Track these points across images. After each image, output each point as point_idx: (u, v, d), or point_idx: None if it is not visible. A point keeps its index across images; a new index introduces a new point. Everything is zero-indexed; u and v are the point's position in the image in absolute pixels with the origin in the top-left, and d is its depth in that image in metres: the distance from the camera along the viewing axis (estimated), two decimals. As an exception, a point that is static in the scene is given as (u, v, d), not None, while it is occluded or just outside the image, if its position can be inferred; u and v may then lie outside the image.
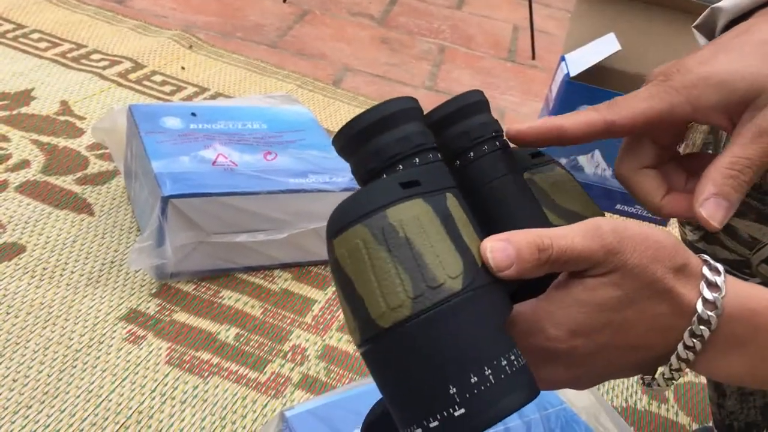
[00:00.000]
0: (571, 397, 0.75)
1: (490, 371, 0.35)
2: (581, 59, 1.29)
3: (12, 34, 1.43)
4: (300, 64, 1.66)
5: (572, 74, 1.28)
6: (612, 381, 0.95)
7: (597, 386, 0.93)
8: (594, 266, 0.37)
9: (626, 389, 0.95)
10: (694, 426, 0.92)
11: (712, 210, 0.41)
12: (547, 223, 0.42)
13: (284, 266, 0.99)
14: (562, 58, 1.35)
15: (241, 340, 0.87)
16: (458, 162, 0.43)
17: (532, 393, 0.37)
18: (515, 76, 1.90)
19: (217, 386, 0.80)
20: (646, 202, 0.44)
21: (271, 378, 0.83)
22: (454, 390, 0.35)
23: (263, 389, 0.81)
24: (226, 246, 0.94)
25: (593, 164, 1.34)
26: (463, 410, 0.35)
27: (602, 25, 1.35)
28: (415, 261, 0.35)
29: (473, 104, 0.44)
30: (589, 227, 0.37)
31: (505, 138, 0.45)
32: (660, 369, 0.41)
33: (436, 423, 0.35)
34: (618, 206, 1.38)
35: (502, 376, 0.35)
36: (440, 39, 2.01)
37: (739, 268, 0.62)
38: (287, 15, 1.91)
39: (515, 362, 0.37)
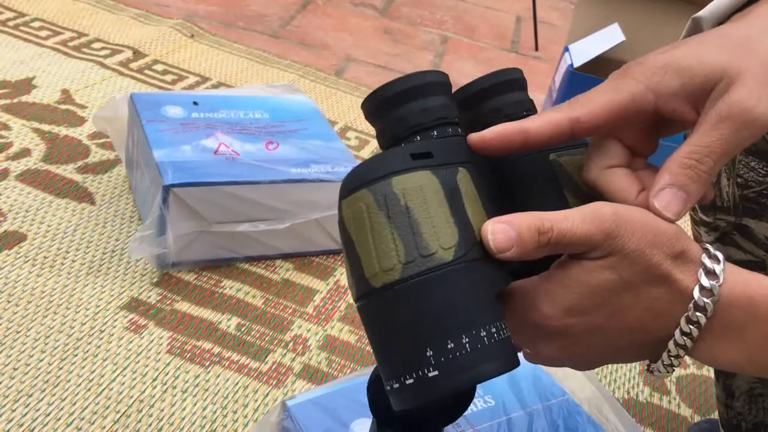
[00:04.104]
0: (574, 388, 0.74)
1: (467, 339, 0.37)
2: (585, 50, 1.29)
3: (13, 23, 1.43)
4: (302, 54, 1.66)
5: (576, 65, 1.27)
6: (614, 372, 0.95)
7: (599, 378, 0.93)
8: (592, 249, 0.38)
9: (628, 381, 0.95)
10: (696, 418, 0.92)
11: (666, 201, 0.40)
12: (565, 206, 0.42)
13: (286, 256, 0.99)
14: (566, 49, 1.34)
15: (243, 329, 0.87)
16: None
17: (509, 364, 0.38)
18: (518, 67, 1.89)
19: (219, 376, 0.80)
20: (620, 202, 0.43)
21: (273, 368, 0.83)
22: (431, 353, 0.37)
23: (264, 379, 0.81)
24: (228, 235, 0.93)
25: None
26: (436, 372, 0.37)
27: (606, 15, 1.35)
28: (411, 229, 0.37)
29: (510, 81, 0.45)
30: (589, 211, 0.38)
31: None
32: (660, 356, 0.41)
33: (411, 381, 0.37)
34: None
35: (479, 345, 0.37)
36: (443, 29, 2.00)
37: (755, 270, 0.62)
38: (289, 5, 1.90)
39: (496, 334, 0.38)
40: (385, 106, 0.41)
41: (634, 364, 0.98)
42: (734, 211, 0.61)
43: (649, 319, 0.39)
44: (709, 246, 0.40)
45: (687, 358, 0.98)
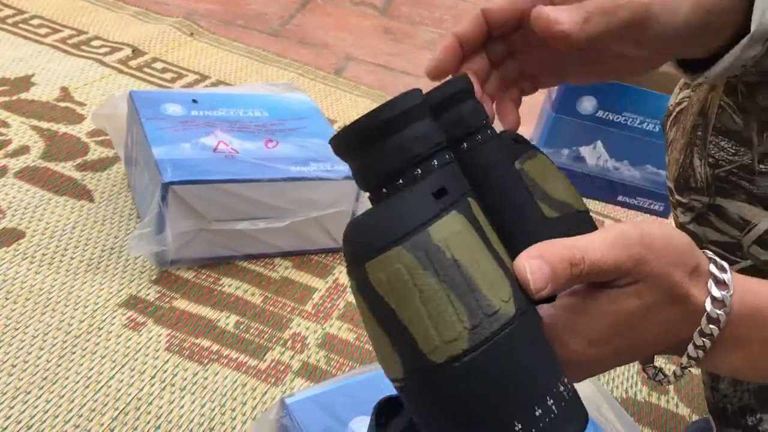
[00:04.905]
0: (572, 387, 0.74)
1: (552, 401, 0.33)
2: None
3: (12, 20, 1.42)
4: (302, 52, 1.66)
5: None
6: (612, 372, 0.95)
7: (598, 377, 0.93)
8: (621, 277, 0.37)
9: (627, 380, 0.95)
10: (694, 417, 0.92)
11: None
12: (542, 218, 0.42)
13: (285, 254, 0.99)
14: (566, 49, 1.34)
15: (242, 327, 0.87)
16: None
17: (585, 417, 0.35)
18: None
19: (217, 373, 0.80)
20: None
21: (271, 366, 0.83)
22: (519, 426, 0.33)
23: (263, 377, 0.81)
24: (227, 233, 0.93)
25: (595, 155, 1.34)
26: None
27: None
28: (468, 286, 0.32)
29: (462, 91, 0.42)
30: (616, 236, 0.37)
31: (492, 125, 0.44)
32: (662, 366, 0.42)
33: None
34: (620, 197, 1.37)
35: (563, 403, 0.34)
36: (443, 29, 2.00)
37: (731, 251, 0.63)
38: (289, 3, 1.90)
39: (569, 385, 0.35)
40: (371, 139, 0.35)
41: (633, 363, 0.98)
42: (708, 192, 0.63)
43: (664, 337, 0.39)
44: (713, 255, 0.40)
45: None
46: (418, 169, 0.34)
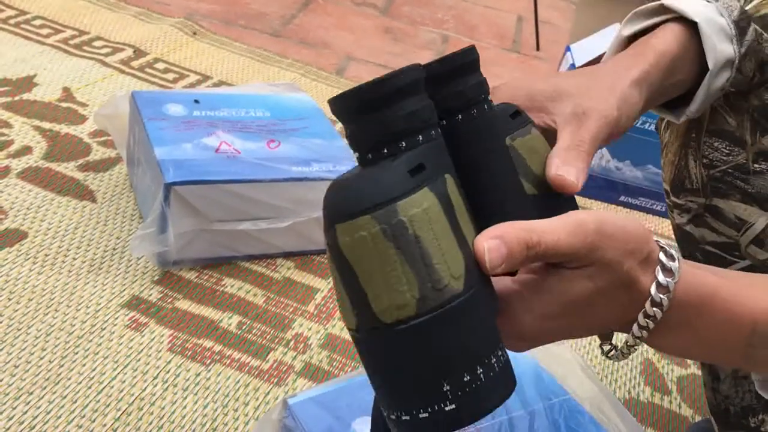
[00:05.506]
0: (575, 388, 0.74)
1: (481, 370, 0.37)
2: (587, 49, 1.29)
3: (14, 20, 1.42)
4: (303, 52, 1.66)
5: (577, 64, 1.27)
6: (615, 372, 0.95)
7: (601, 377, 0.93)
8: (574, 260, 0.40)
9: (629, 380, 0.95)
10: (697, 418, 0.92)
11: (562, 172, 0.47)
12: (523, 195, 0.45)
13: (287, 255, 0.99)
14: (568, 48, 1.34)
15: (244, 328, 0.87)
16: (445, 122, 0.43)
17: (512, 387, 0.39)
18: (519, 66, 1.89)
19: (220, 374, 0.80)
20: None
21: (274, 366, 0.83)
22: (448, 387, 0.36)
23: (266, 377, 0.81)
24: (229, 234, 0.93)
25: (597, 155, 1.34)
26: (453, 406, 0.37)
27: (607, 15, 1.35)
28: (423, 261, 0.36)
29: (466, 64, 0.44)
30: (574, 223, 0.40)
31: (490, 98, 0.45)
32: (616, 345, 0.46)
33: (425, 414, 0.37)
34: (622, 198, 1.37)
35: (491, 373, 0.37)
36: (444, 29, 2.00)
37: (729, 251, 0.63)
38: (290, 3, 1.90)
39: (502, 357, 0.38)
40: (365, 108, 0.37)
41: (635, 363, 0.98)
42: (703, 192, 0.64)
43: (612, 317, 0.42)
44: (664, 244, 0.43)
45: (689, 360, 0.98)
46: (403, 142, 0.37)
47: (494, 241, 0.38)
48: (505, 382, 0.38)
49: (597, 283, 0.40)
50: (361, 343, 0.38)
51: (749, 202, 0.60)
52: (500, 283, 0.42)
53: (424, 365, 0.37)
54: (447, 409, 0.37)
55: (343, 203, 0.36)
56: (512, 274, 0.42)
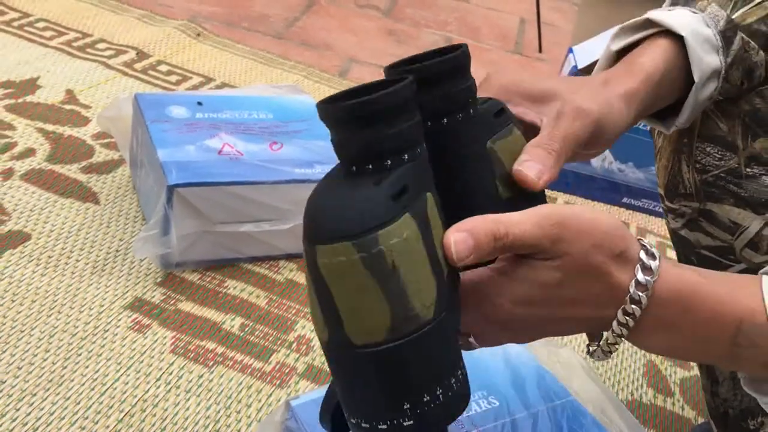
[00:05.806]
0: (578, 389, 0.74)
1: (440, 391, 0.39)
2: (589, 51, 1.29)
3: (17, 23, 1.43)
4: (306, 54, 1.66)
5: (580, 66, 1.27)
6: (618, 374, 0.95)
7: (603, 379, 0.93)
8: (540, 252, 0.41)
9: (632, 382, 0.95)
10: (700, 420, 0.92)
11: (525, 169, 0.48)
12: (497, 198, 0.46)
13: (289, 257, 0.99)
14: (570, 50, 1.34)
15: (246, 329, 0.87)
16: (430, 123, 0.44)
17: (466, 403, 0.41)
18: (522, 68, 1.89)
19: (222, 375, 0.80)
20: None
21: (276, 368, 0.83)
22: (408, 406, 0.38)
23: (268, 379, 0.81)
24: (232, 235, 0.93)
25: (600, 157, 1.34)
26: (411, 422, 0.39)
27: (610, 16, 1.34)
28: (397, 292, 0.37)
29: (456, 68, 0.44)
30: (540, 215, 0.41)
31: (476, 100, 0.46)
32: (600, 343, 0.46)
33: (384, 427, 0.39)
34: (624, 199, 1.37)
35: (449, 393, 0.39)
36: (446, 31, 2.00)
37: (724, 255, 0.63)
38: (293, 5, 1.90)
39: (460, 376, 0.41)
40: (354, 123, 0.37)
41: (638, 365, 0.98)
42: (697, 197, 0.64)
43: (588, 310, 0.43)
44: (646, 243, 0.43)
45: (691, 362, 0.97)
46: (389, 161, 0.38)
47: (461, 234, 0.40)
48: (460, 401, 0.41)
49: (563, 273, 0.41)
50: (330, 355, 0.40)
51: (742, 206, 0.61)
52: (477, 270, 0.43)
53: (388, 385, 0.38)
54: (405, 424, 0.39)
55: (324, 225, 0.37)
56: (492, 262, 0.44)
